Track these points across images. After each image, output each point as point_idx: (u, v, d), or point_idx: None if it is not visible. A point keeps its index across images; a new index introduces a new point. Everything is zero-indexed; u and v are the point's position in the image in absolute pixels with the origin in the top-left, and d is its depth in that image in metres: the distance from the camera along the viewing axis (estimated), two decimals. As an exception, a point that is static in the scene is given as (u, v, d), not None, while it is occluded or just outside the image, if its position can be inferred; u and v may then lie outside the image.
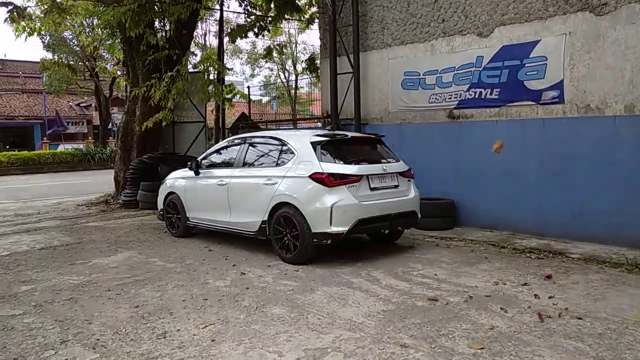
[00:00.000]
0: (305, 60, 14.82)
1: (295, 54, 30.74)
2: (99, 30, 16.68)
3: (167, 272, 6.08)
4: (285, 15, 13.27)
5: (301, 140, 6.50)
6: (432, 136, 8.94)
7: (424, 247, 7.09)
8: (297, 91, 31.17)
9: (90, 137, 35.85)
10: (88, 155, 27.27)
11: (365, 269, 5.96)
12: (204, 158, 7.84)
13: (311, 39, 67.12)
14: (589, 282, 5.29)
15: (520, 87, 7.77)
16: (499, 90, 8.04)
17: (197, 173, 7.75)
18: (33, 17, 15.08)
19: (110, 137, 32.08)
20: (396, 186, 6.51)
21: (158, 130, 12.86)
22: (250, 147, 7.13)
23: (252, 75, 37.82)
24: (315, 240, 5.99)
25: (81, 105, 39.88)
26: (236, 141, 7.54)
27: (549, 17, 7.39)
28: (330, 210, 5.87)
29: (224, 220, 7.21)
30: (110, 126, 31.72)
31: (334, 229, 5.90)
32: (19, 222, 10.26)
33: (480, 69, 8.23)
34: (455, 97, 8.65)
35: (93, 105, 37.89)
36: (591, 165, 7.07)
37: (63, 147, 29.20)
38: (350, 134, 6.85)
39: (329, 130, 7.02)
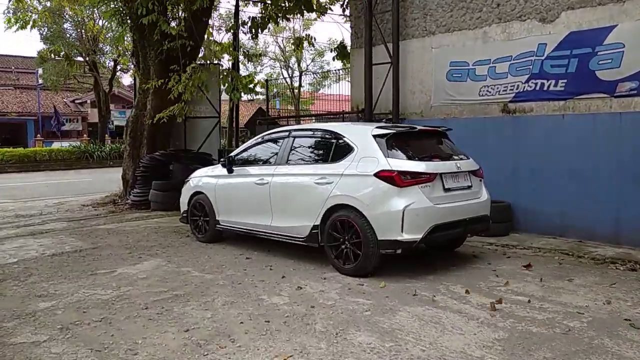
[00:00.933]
0: (335, 47, 13.86)
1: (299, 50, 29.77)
2: (106, 20, 15.72)
3: (208, 284, 5.21)
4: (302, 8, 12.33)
5: (361, 133, 5.66)
6: (483, 132, 8.13)
7: (490, 257, 6.27)
8: (301, 89, 30.32)
9: (85, 135, 34.71)
10: (86, 153, 26.19)
11: (440, 282, 5.13)
12: (238, 154, 6.96)
13: (318, 34, 65.60)
14: None
15: (591, 77, 6.98)
16: (565, 81, 7.24)
17: (230, 171, 6.88)
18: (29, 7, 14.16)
19: (107, 135, 31.01)
20: (469, 187, 5.70)
21: (169, 126, 11.97)
22: (296, 142, 6.26)
23: (255, 73, 36.84)
24: (382, 249, 5.15)
25: (76, 101, 38.70)
26: (277, 135, 6.67)
27: (627, 0, 6.61)
28: (402, 214, 5.02)
29: (263, 225, 6.35)
30: (110, 124, 30.66)
31: (406, 236, 5.05)
32: (21, 223, 9.31)
33: (543, 57, 7.43)
34: (511, 90, 7.84)
35: (88, 101, 36.78)
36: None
37: (60, 145, 28.08)
38: (417, 126, 6.00)
39: (386, 123, 6.16)
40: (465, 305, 4.43)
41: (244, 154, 6.92)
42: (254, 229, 6.53)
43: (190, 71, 10.56)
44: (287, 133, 6.43)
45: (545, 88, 7.46)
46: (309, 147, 6.23)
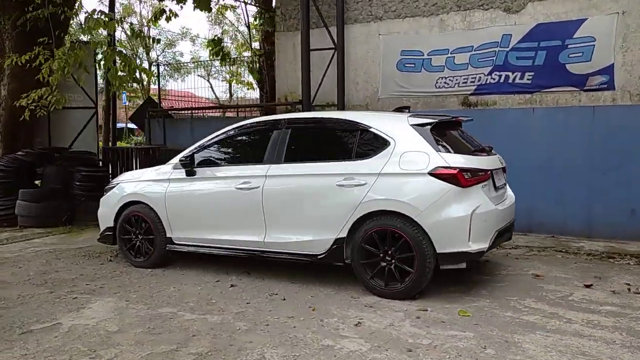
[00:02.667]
0: (210, 41, 12.27)
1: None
2: None
3: (226, 331, 3.71)
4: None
5: (395, 122, 4.62)
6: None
7: (500, 260, 5.73)
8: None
9: None
10: None
11: (503, 298, 4.37)
12: (199, 151, 5.35)
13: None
14: None
15: (560, 70, 6.92)
16: (532, 74, 7.09)
17: (191, 173, 5.26)
18: None
19: None
20: (505, 184, 5.06)
21: (32, 118, 9.37)
22: (295, 134, 4.94)
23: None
24: (443, 263, 4.22)
25: None
26: (262, 126, 5.26)
27: (598, -6, 6.66)
28: (470, 219, 4.14)
29: (252, 241, 4.92)
30: None
31: (474, 246, 4.17)
32: None
33: (508, 49, 7.19)
34: (472, 82, 7.49)
35: None
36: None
37: None
38: (449, 115, 5.11)
39: (405, 110, 5.18)
40: (571, 325, 3.73)
41: (208, 152, 5.34)
42: (235, 246, 5.05)
43: (69, 46, 8.33)
44: (278, 124, 5.06)
45: (510, 80, 7.24)
46: (319, 141, 4.98)
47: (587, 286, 4.65)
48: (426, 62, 7.77)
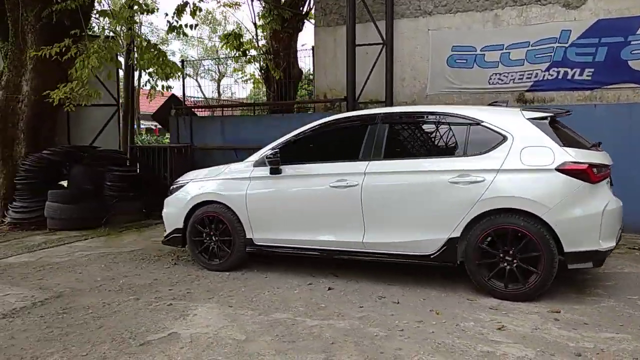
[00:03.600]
0: (226, 35, 11.89)
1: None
2: None
3: (366, 338, 3.43)
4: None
5: (510, 117, 4.42)
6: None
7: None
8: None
9: None
10: None
11: (624, 296, 4.22)
12: (283, 148, 5.04)
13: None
14: None
15: (622, 66, 6.87)
16: (592, 70, 7.02)
17: (276, 171, 4.96)
18: None
19: None
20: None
21: (55, 115, 8.90)
22: (394, 130, 4.70)
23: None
24: (571, 263, 4.04)
25: None
26: (353, 121, 4.99)
27: (663, -11, 6.62)
28: (602, 216, 3.98)
29: (349, 242, 4.65)
30: None
31: (604, 244, 4.00)
32: None
33: (567, 45, 7.11)
34: (528, 78, 7.39)
35: None
36: None
37: None
38: (563, 109, 4.90)
39: (502, 105, 4.99)
40: None
41: (293, 148, 5.04)
42: (329, 247, 4.76)
43: (103, 39, 7.93)
44: (374, 118, 4.80)
45: (569, 77, 7.16)
46: (422, 137, 4.74)
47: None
48: (479, 58, 7.63)
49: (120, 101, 10.78)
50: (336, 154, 4.95)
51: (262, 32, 13.73)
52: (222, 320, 3.81)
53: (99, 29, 10.11)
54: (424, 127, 4.76)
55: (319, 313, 3.96)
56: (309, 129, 5.06)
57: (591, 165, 4.03)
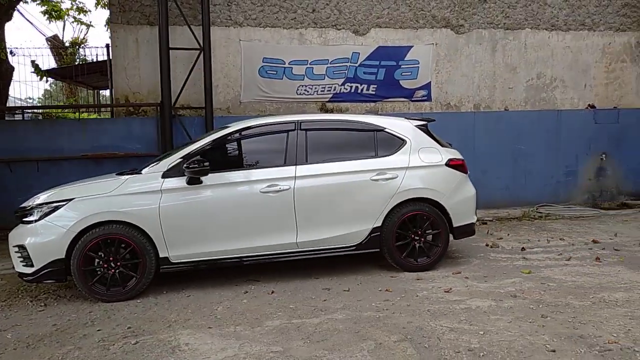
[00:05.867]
0: None
1: None
2: None
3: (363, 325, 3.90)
4: None
5: (403, 124, 5.38)
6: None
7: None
8: None
9: None
10: None
11: (474, 256, 5.79)
12: (192, 156, 4.78)
13: None
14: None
15: (395, 85, 8.78)
16: (375, 86, 8.74)
17: (195, 181, 4.70)
18: None
19: None
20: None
21: None
22: (312, 136, 5.07)
23: None
24: (456, 236, 5.33)
25: None
26: (267, 128, 5.09)
27: (420, 28, 8.78)
28: (474, 198, 5.41)
29: (281, 244, 4.85)
30: None
31: (474, 218, 5.46)
32: None
33: (357, 64, 8.64)
34: (329, 90, 8.63)
35: None
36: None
37: None
38: (428, 118, 5.95)
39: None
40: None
41: (208, 156, 4.84)
42: (263, 252, 4.84)
43: None
44: (291, 126, 5.07)
45: (359, 91, 8.71)
46: (339, 141, 5.20)
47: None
48: (287, 70, 8.45)
49: None
50: (255, 162, 5.04)
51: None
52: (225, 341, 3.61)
53: None
54: (339, 132, 5.33)
55: (306, 313, 4.14)
56: (220, 136, 4.97)
57: (462, 160, 5.41)
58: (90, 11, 10.49)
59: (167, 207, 4.64)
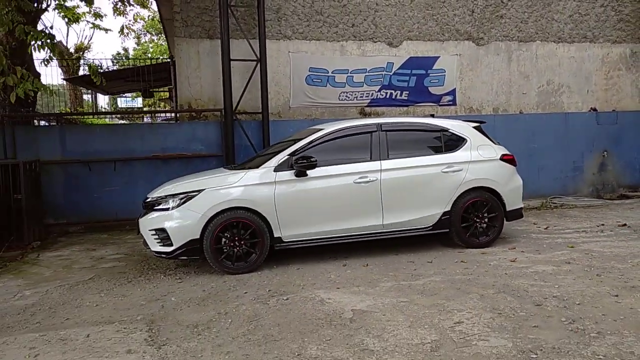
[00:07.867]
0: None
1: None
2: None
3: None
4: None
5: (462, 125, 6.44)
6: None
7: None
8: None
9: None
10: None
11: (526, 234, 6.85)
12: (297, 153, 5.74)
13: None
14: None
15: (425, 91, 9.85)
16: (407, 92, 9.78)
17: (302, 174, 5.65)
18: None
19: None
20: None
21: None
22: (391, 136, 6.06)
23: None
24: (508, 219, 6.38)
25: None
26: (354, 130, 6.07)
27: (445, 41, 9.87)
28: (522, 187, 6.49)
29: (370, 225, 5.84)
30: None
31: (522, 204, 6.52)
32: None
33: (391, 73, 9.67)
34: (367, 96, 9.63)
35: None
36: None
37: None
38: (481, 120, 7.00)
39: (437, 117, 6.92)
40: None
41: (307, 154, 5.77)
42: (353, 233, 5.81)
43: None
44: (374, 127, 6.06)
45: (393, 97, 9.74)
46: (412, 140, 6.20)
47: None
48: (331, 79, 9.43)
49: None
50: (347, 158, 5.99)
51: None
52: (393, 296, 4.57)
53: None
54: (412, 132, 6.33)
55: (407, 277, 5.11)
56: (320, 136, 5.92)
57: (513, 155, 6.48)
58: (106, 15, 11.35)
59: (280, 196, 5.57)
